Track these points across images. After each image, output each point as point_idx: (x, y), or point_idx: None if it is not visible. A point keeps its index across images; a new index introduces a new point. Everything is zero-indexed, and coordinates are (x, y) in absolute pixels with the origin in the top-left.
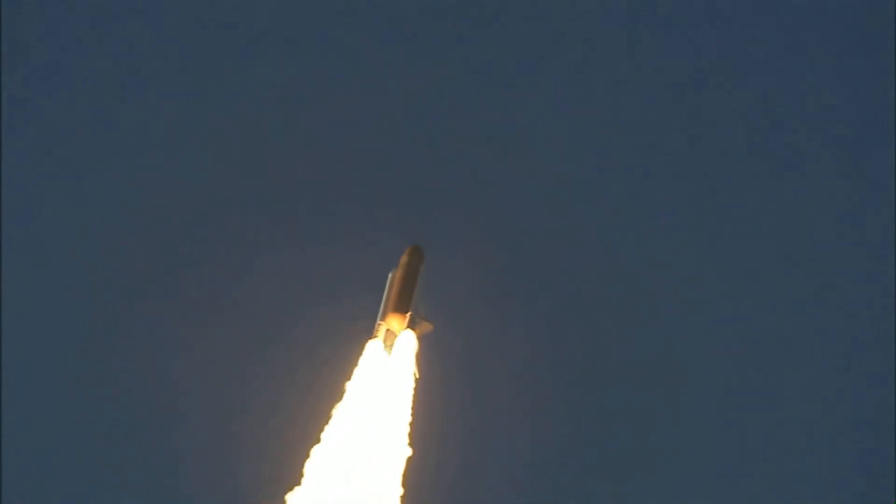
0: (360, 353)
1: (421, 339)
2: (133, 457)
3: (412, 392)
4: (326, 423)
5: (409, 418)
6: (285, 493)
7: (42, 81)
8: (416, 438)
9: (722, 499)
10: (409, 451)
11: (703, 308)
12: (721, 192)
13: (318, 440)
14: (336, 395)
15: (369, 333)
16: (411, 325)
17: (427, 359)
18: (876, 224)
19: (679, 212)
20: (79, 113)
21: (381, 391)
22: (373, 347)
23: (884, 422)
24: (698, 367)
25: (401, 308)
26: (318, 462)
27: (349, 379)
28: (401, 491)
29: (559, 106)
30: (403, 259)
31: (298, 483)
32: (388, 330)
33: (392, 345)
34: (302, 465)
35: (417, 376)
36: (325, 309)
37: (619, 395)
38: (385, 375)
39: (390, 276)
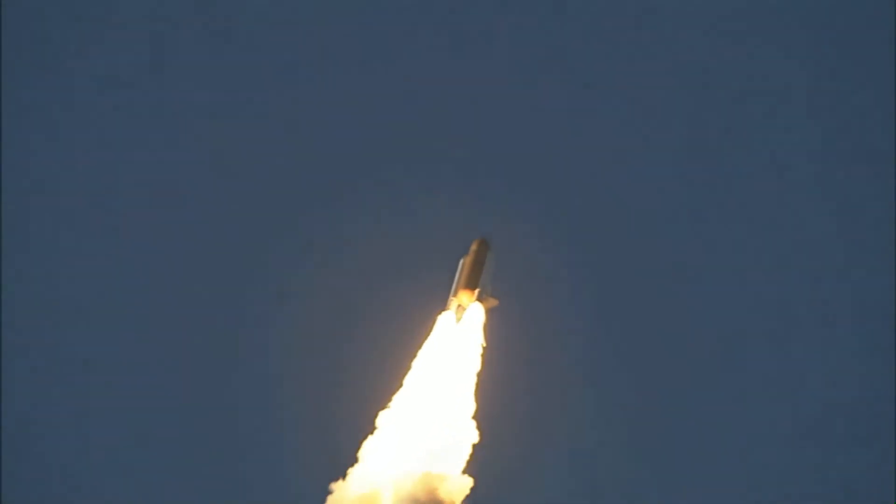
0: (434, 323)
1: (488, 312)
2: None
3: (479, 355)
4: (405, 377)
5: (475, 379)
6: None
7: None
8: (480, 397)
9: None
10: (474, 406)
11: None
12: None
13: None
14: (414, 355)
15: (443, 307)
16: (479, 300)
17: (492, 330)
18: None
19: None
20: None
21: (451, 353)
22: (445, 317)
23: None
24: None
25: (470, 285)
26: (394, 412)
27: (425, 342)
28: (476, 436)
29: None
30: (473, 247)
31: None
32: (458, 305)
33: (462, 317)
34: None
35: (484, 344)
36: (407, 287)
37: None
38: (455, 340)
39: (461, 261)
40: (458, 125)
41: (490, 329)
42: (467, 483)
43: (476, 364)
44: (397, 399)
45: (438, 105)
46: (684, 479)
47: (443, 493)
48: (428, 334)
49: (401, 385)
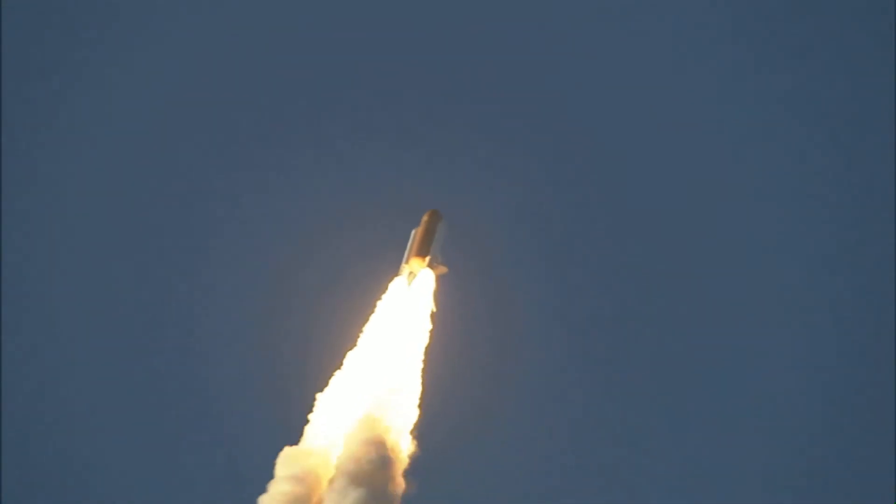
0: (386, 288)
1: (437, 278)
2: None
3: (428, 317)
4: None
5: (426, 340)
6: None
7: None
8: (429, 357)
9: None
10: (421, 365)
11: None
12: None
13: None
14: (367, 318)
15: (395, 273)
16: (429, 266)
17: (442, 295)
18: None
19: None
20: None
21: (402, 316)
22: (397, 283)
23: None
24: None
25: (421, 253)
26: (346, 370)
27: (376, 305)
28: (419, 388)
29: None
30: (424, 218)
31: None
32: (410, 272)
33: (412, 283)
34: (332, 375)
35: (434, 308)
36: (359, 254)
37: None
38: (406, 303)
39: (413, 232)
40: (420, 96)
41: (439, 294)
42: (411, 419)
43: (425, 325)
44: (349, 357)
45: (403, 73)
46: (641, 449)
47: (386, 434)
48: (380, 298)
49: (354, 345)
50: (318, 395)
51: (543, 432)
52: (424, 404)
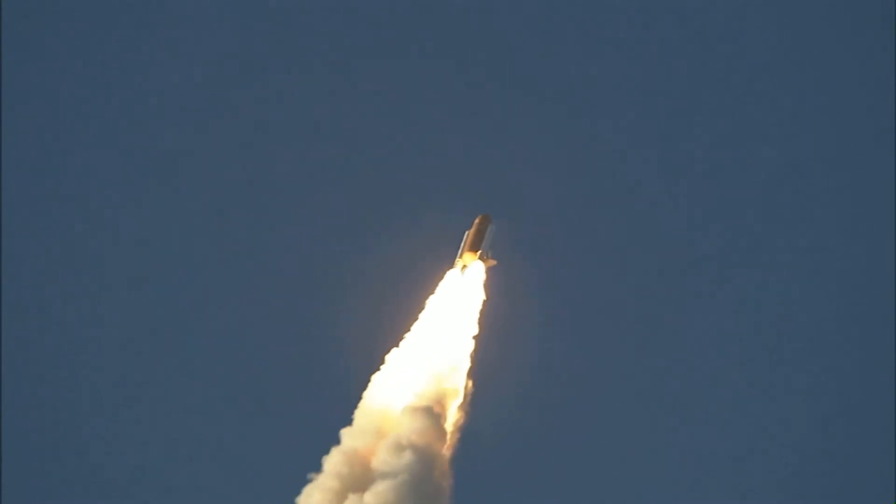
0: (442, 278)
1: (487, 270)
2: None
3: (479, 305)
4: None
5: (477, 328)
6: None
7: None
8: (480, 342)
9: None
10: (472, 346)
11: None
12: None
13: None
14: (424, 304)
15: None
16: (480, 260)
17: (491, 285)
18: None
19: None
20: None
21: (455, 302)
22: (452, 273)
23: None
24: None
25: (473, 248)
26: (403, 350)
27: (433, 292)
28: (469, 364)
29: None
30: (476, 221)
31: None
32: (463, 265)
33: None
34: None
35: (485, 297)
36: (421, 252)
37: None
38: (459, 291)
39: (466, 233)
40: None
41: (489, 285)
42: (461, 393)
43: (476, 312)
44: (407, 337)
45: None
46: (672, 437)
47: (438, 405)
48: (437, 286)
49: (410, 328)
50: (384, 362)
51: (583, 410)
52: (474, 379)
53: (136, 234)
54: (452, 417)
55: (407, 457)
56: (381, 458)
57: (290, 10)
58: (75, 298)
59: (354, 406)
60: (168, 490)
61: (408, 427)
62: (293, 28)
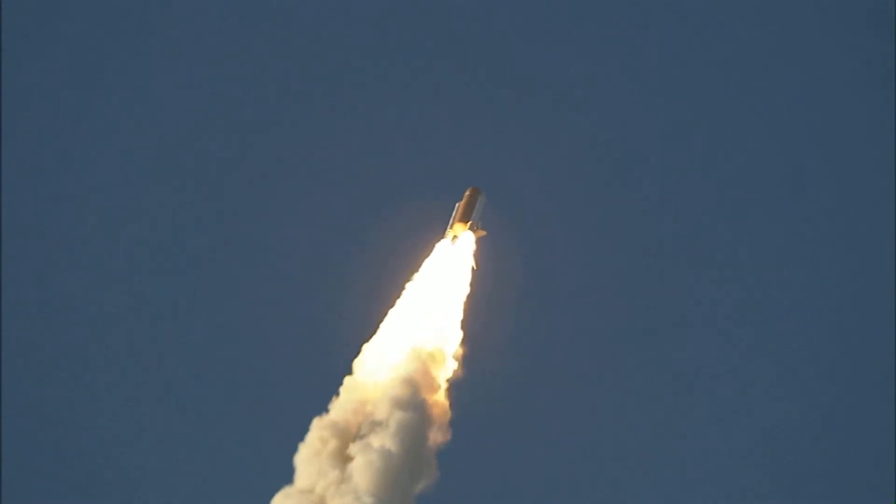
0: (433, 248)
1: (477, 240)
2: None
3: (469, 272)
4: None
5: (467, 291)
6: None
7: None
8: (469, 307)
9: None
10: (462, 314)
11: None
12: None
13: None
14: (416, 272)
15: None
16: (470, 230)
17: (480, 254)
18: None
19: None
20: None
21: (446, 270)
22: (442, 243)
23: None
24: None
25: (463, 219)
26: (395, 312)
27: (426, 259)
28: (460, 335)
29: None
30: (466, 193)
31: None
32: (454, 235)
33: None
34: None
35: (475, 266)
36: (414, 221)
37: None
38: (449, 260)
39: (457, 204)
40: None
41: (478, 254)
42: (451, 356)
43: (466, 279)
44: (399, 303)
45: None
46: (662, 413)
47: (429, 366)
48: (428, 256)
49: (401, 294)
50: (374, 332)
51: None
52: (464, 341)
53: (136, 234)
54: (450, 367)
55: (407, 394)
56: (379, 403)
57: (290, 10)
58: (75, 298)
59: None
60: (168, 490)
61: (400, 387)
62: (293, 28)
